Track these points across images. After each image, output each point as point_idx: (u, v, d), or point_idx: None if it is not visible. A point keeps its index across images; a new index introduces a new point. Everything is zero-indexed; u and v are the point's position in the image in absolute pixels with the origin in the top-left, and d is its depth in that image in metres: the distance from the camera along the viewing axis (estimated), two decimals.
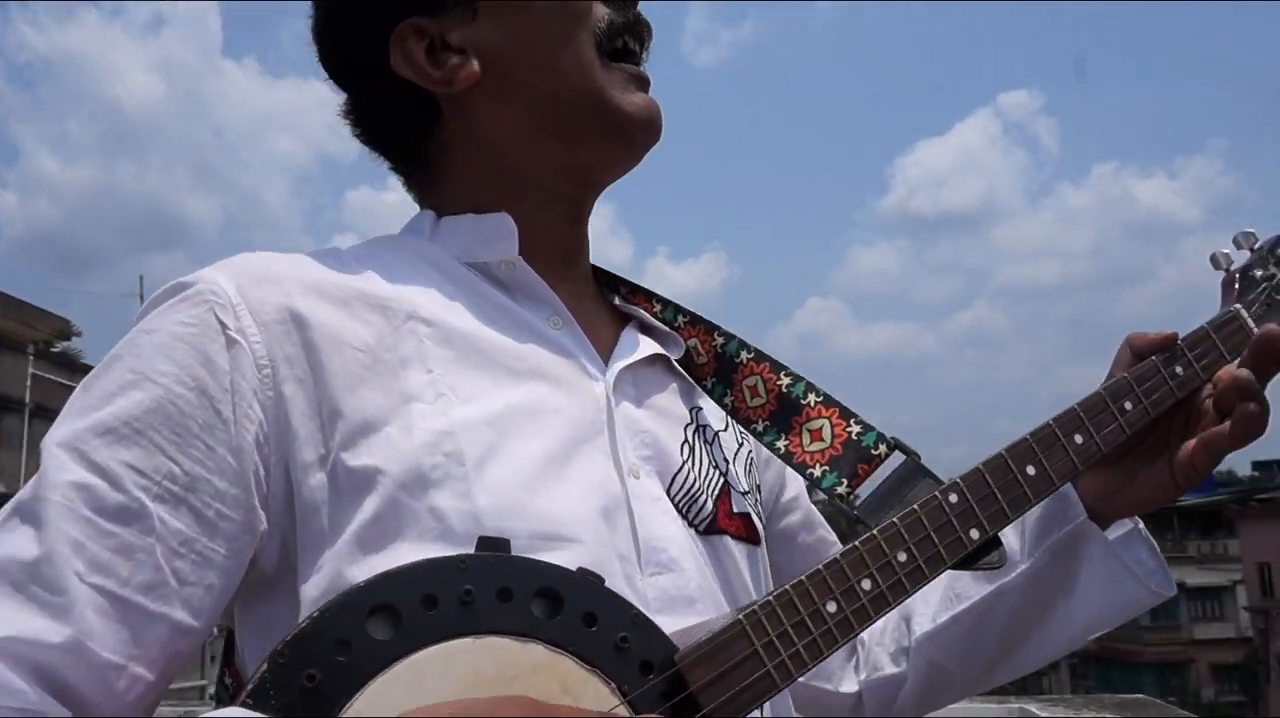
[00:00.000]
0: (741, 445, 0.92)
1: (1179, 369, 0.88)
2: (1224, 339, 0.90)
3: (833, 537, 1.03)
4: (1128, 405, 0.85)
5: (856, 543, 0.73)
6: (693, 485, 0.82)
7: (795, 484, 1.02)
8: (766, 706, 0.68)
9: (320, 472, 0.69)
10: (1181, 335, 0.89)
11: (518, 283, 0.83)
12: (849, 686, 0.99)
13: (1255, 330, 0.89)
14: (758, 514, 0.89)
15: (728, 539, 0.82)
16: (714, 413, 0.91)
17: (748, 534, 0.85)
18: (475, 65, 0.82)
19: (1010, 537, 0.92)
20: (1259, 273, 0.95)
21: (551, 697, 0.59)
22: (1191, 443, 0.86)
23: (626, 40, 0.85)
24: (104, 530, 0.64)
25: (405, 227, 0.89)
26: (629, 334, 0.89)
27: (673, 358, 0.90)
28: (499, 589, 0.59)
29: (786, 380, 0.86)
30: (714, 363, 0.89)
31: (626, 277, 0.96)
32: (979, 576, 0.92)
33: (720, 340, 0.89)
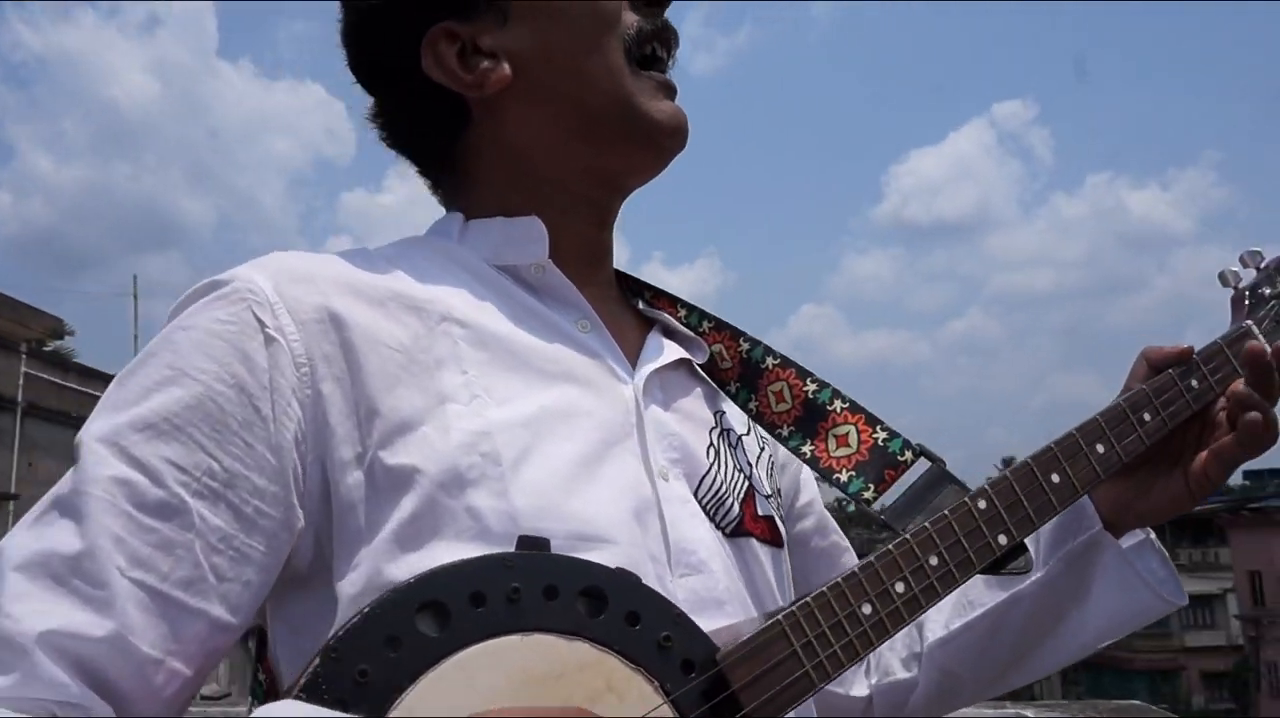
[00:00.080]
0: (763, 450, 0.93)
1: (1194, 382, 0.91)
2: (1236, 354, 0.93)
3: (845, 542, 1.04)
4: (1146, 417, 0.88)
5: (889, 547, 0.74)
6: (719, 488, 0.83)
7: (809, 489, 1.03)
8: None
9: (357, 470, 0.70)
10: (1195, 350, 0.92)
11: (547, 286, 0.84)
12: (860, 690, 1.00)
13: (1266, 347, 0.91)
14: (780, 517, 0.90)
15: (754, 542, 0.83)
16: (737, 417, 0.91)
17: (772, 537, 0.86)
18: (506, 69, 0.83)
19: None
20: (1267, 290, 0.99)
21: (597, 695, 0.59)
22: (1204, 454, 0.90)
23: (655, 47, 0.86)
24: (144, 526, 0.64)
25: (431, 228, 0.90)
26: (654, 338, 0.89)
27: (697, 363, 0.91)
28: (545, 587, 0.60)
29: (813, 387, 0.87)
30: (739, 368, 0.90)
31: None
32: (991, 583, 0.94)
33: (746, 346, 0.90)
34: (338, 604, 0.68)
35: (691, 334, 0.92)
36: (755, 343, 0.90)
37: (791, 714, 0.73)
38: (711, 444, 0.85)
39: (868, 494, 0.82)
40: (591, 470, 0.74)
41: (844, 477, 0.83)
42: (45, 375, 14.60)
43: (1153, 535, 0.95)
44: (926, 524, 0.76)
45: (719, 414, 0.89)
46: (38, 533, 0.64)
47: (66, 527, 0.64)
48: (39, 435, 14.13)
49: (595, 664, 0.60)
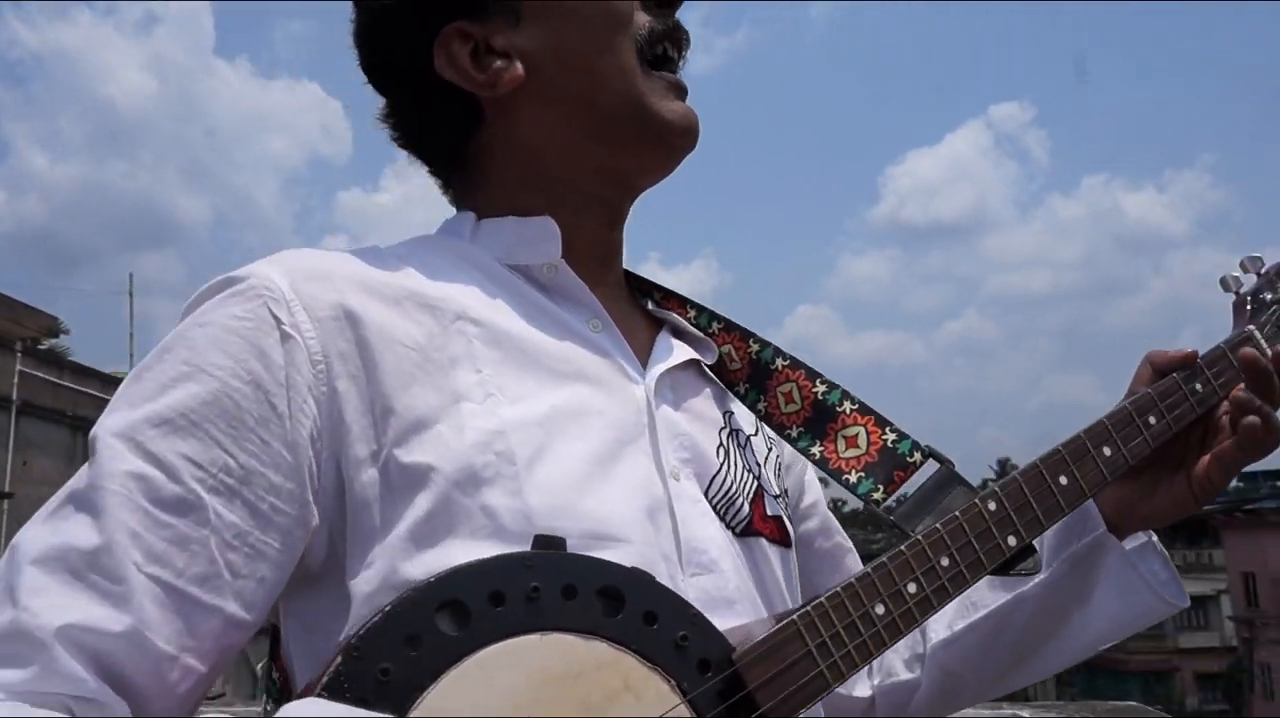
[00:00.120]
0: (770, 450, 0.94)
1: (1198, 386, 0.92)
2: (1239, 358, 0.94)
3: (848, 543, 1.05)
4: (1152, 420, 0.89)
5: (902, 547, 0.74)
6: (729, 488, 0.83)
7: (813, 491, 1.03)
8: None
9: (372, 468, 0.70)
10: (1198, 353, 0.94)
11: (558, 286, 0.84)
12: (862, 690, 1.00)
13: (1268, 351, 0.94)
14: (788, 517, 0.90)
15: (763, 541, 0.84)
16: (745, 418, 0.92)
17: (781, 537, 0.86)
18: (519, 69, 0.83)
19: None
20: (1268, 296, 1.01)
21: (615, 694, 0.60)
22: (1207, 458, 0.91)
23: (666, 48, 0.87)
24: (160, 521, 0.64)
25: (442, 227, 0.90)
26: (664, 339, 0.90)
27: (706, 363, 0.91)
28: (564, 587, 0.60)
29: (822, 388, 0.88)
30: (748, 369, 0.91)
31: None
32: (995, 584, 0.95)
33: (756, 347, 0.91)
34: (351, 602, 0.68)
35: (701, 335, 0.92)
36: (765, 344, 0.91)
37: (804, 714, 0.74)
38: (721, 444, 0.86)
39: (877, 495, 0.82)
40: (604, 470, 0.74)
41: (853, 478, 0.84)
42: (40, 374, 14.56)
43: (1154, 538, 0.95)
44: (938, 526, 0.76)
45: (728, 415, 0.90)
46: (54, 527, 0.65)
47: (83, 521, 0.64)
48: (34, 434, 14.09)
49: (613, 664, 0.60)
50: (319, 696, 0.55)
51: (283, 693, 0.75)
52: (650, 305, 0.95)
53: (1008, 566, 0.79)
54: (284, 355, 0.70)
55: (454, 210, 0.91)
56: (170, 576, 0.64)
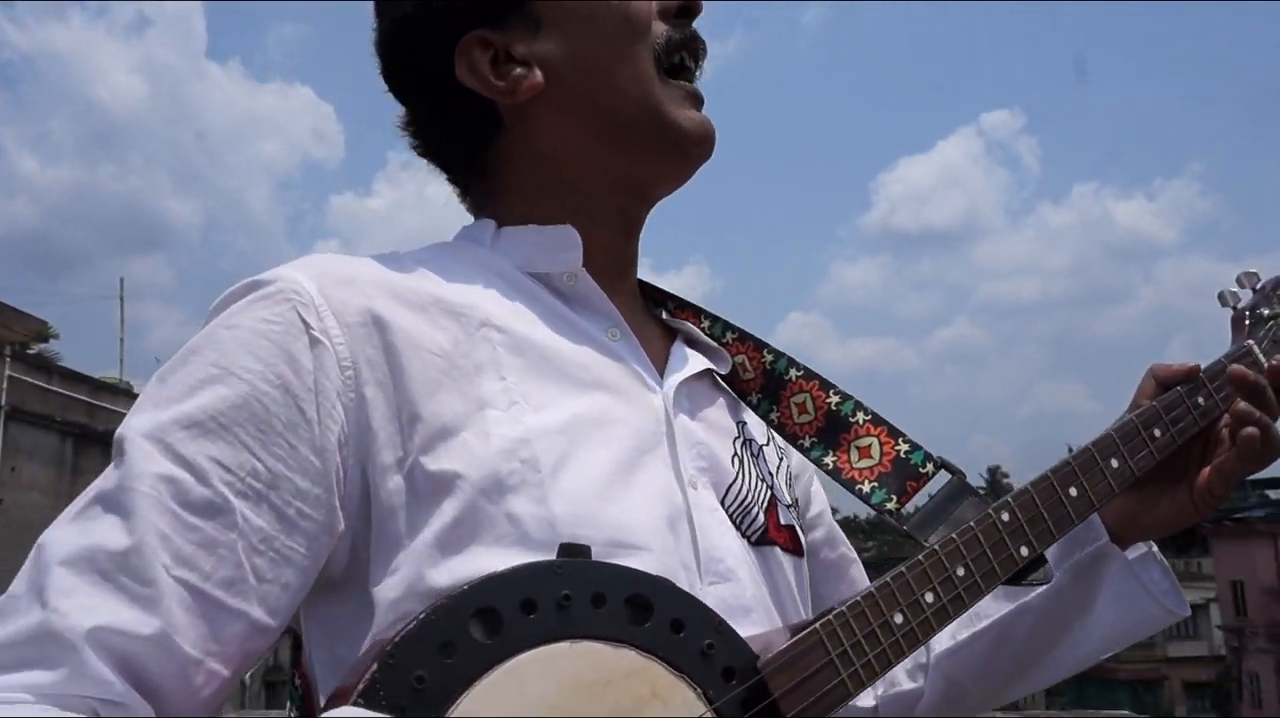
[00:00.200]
0: (781, 460, 0.95)
1: (1201, 400, 0.94)
2: (1229, 374, 0.95)
3: (853, 553, 1.06)
4: (1157, 433, 0.91)
5: (919, 557, 0.75)
6: (745, 498, 0.84)
7: (819, 501, 1.04)
8: None
9: (398, 474, 0.70)
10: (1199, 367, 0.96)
11: (578, 294, 0.85)
12: (866, 700, 1.01)
13: (1265, 364, 0.96)
14: (800, 527, 0.91)
15: (777, 550, 0.84)
16: (757, 428, 0.93)
17: (794, 546, 0.87)
18: (538, 76, 0.84)
19: None
20: (1265, 311, 1.04)
21: (643, 702, 0.60)
22: (1208, 469, 0.93)
23: (683, 57, 0.88)
24: (188, 524, 0.65)
25: (461, 234, 0.91)
26: (679, 349, 0.91)
27: (720, 373, 0.92)
28: (594, 595, 0.61)
29: (836, 398, 0.89)
30: (761, 379, 0.92)
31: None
32: (998, 594, 0.96)
33: (770, 358, 0.92)
34: (375, 609, 0.68)
35: (714, 345, 0.93)
36: (779, 354, 0.92)
37: None
38: (736, 454, 0.87)
39: (890, 505, 0.83)
40: (626, 478, 0.75)
41: (866, 487, 0.85)
42: (29, 379, 14.47)
43: (1155, 548, 0.97)
44: (954, 536, 0.77)
45: (741, 424, 0.91)
46: (82, 528, 0.65)
47: (112, 522, 0.64)
48: (23, 439, 14.00)
49: (641, 672, 0.61)
50: (355, 702, 0.56)
51: (305, 700, 0.75)
52: (664, 315, 0.96)
53: (1020, 576, 0.80)
54: (313, 360, 0.70)
55: (456, 217, 0.92)
56: (197, 579, 0.64)
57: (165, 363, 0.72)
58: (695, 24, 0.91)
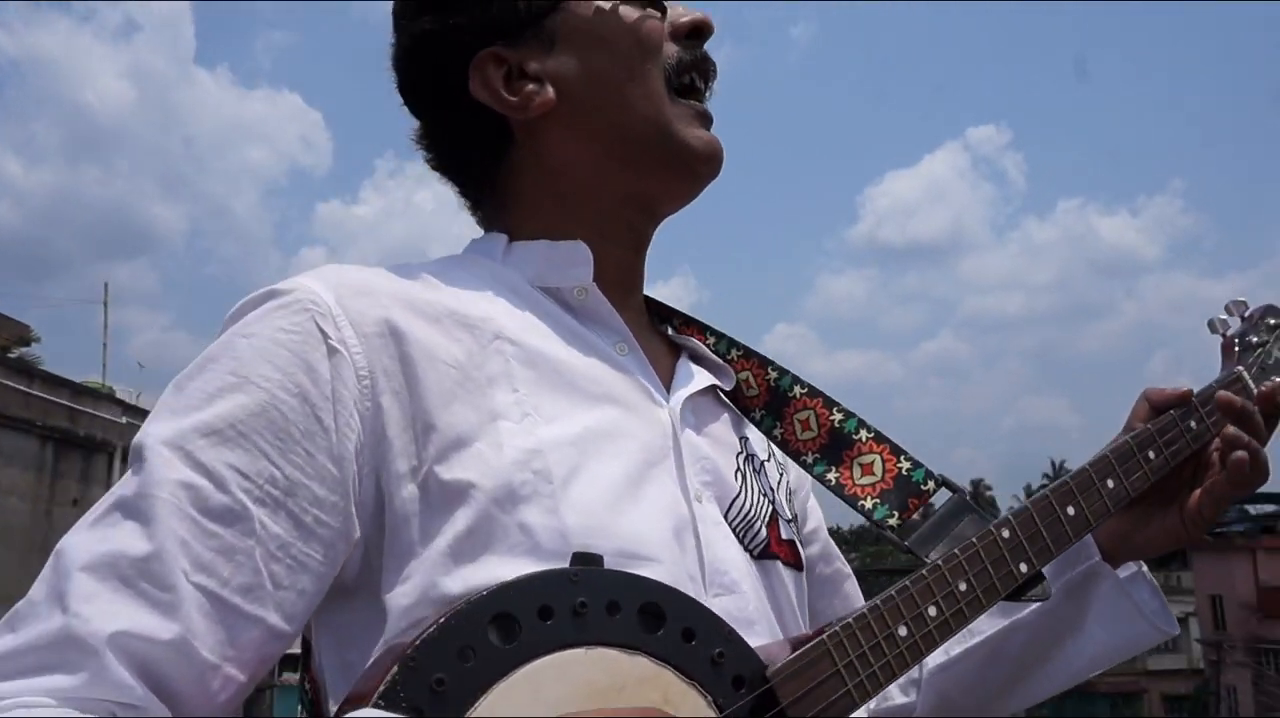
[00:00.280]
0: (781, 476, 0.96)
1: (1193, 424, 0.96)
2: (1217, 401, 0.98)
3: (847, 569, 1.07)
4: (1151, 455, 0.93)
5: (923, 572, 0.77)
6: (748, 512, 0.85)
7: (815, 517, 1.06)
8: None
9: (412, 483, 0.71)
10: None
11: (588, 309, 0.86)
12: (858, 713, 1.03)
13: (1255, 390, 1.00)
14: (800, 541, 0.93)
15: (779, 564, 0.86)
16: (758, 443, 0.94)
17: (794, 560, 0.89)
18: (550, 93, 0.86)
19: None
20: (1254, 338, 1.07)
21: (655, 707, 0.62)
22: (1198, 492, 0.95)
23: (693, 77, 0.90)
24: (208, 531, 0.65)
25: (471, 247, 0.92)
26: (684, 364, 0.92)
27: (724, 389, 0.94)
28: (608, 603, 0.62)
29: (839, 416, 0.90)
30: (765, 396, 0.93)
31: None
32: (992, 610, 0.98)
33: (774, 374, 0.93)
34: (387, 616, 0.69)
35: (719, 361, 0.95)
36: (783, 372, 0.93)
37: None
38: (739, 469, 0.88)
39: (893, 521, 0.84)
40: (635, 491, 0.76)
41: (869, 504, 0.86)
42: (10, 383, 14.32)
43: (1144, 568, 0.99)
44: (956, 552, 0.79)
45: (743, 440, 0.92)
46: (102, 534, 0.65)
47: (133, 529, 0.65)
48: (3, 443, 13.83)
49: (654, 679, 0.62)
50: (376, 704, 0.57)
51: (314, 703, 0.76)
52: (670, 331, 0.97)
53: (1019, 592, 0.82)
54: (331, 370, 0.71)
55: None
56: (216, 585, 0.65)
57: (181, 371, 0.73)
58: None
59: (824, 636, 0.70)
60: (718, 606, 0.76)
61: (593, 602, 0.62)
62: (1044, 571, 0.96)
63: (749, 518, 0.85)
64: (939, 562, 0.78)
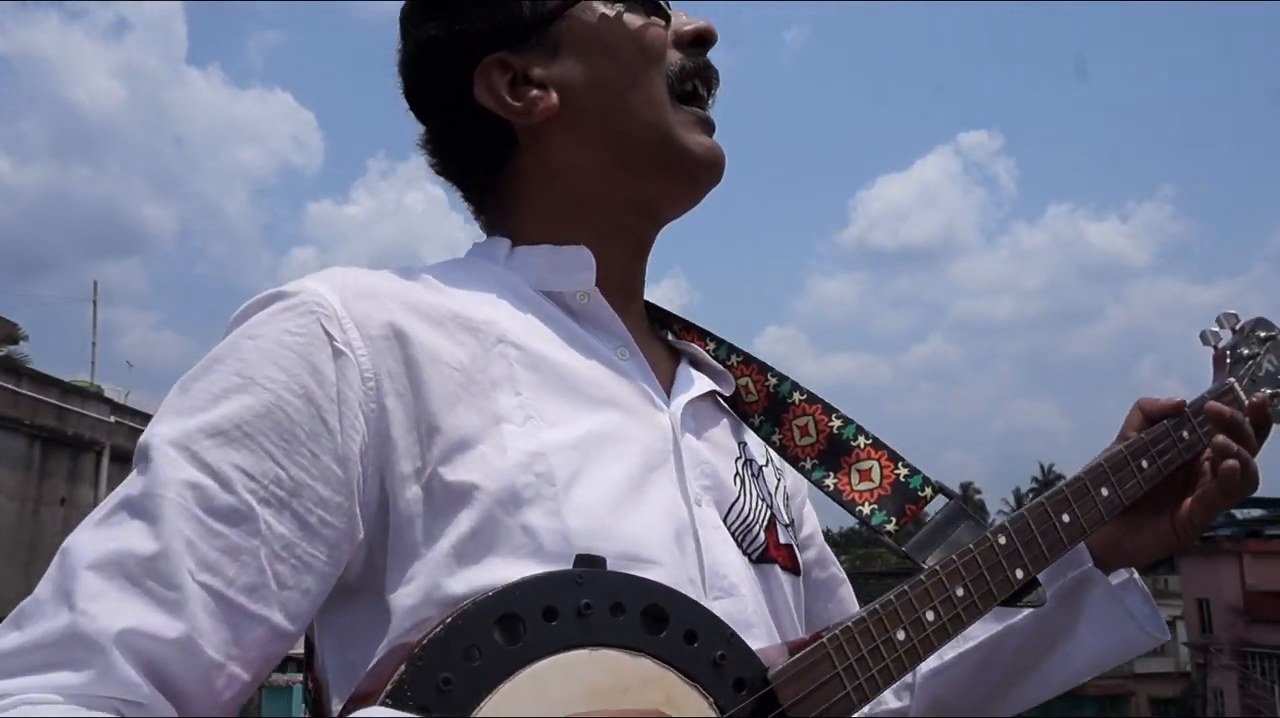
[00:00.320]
0: (779, 481, 0.97)
1: (1185, 433, 0.98)
2: (1207, 411, 1.00)
3: (842, 574, 1.08)
4: (1144, 464, 0.95)
5: (921, 577, 0.78)
6: (746, 516, 0.86)
7: (811, 522, 1.06)
8: None
9: (416, 485, 0.72)
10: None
11: (589, 313, 0.87)
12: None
13: (1246, 401, 1.01)
14: (797, 546, 0.94)
15: (777, 568, 0.86)
16: (756, 448, 0.95)
17: (792, 565, 0.89)
18: (554, 98, 0.87)
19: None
20: (1245, 350, 1.09)
21: (657, 708, 0.62)
22: (1189, 500, 0.97)
23: (696, 85, 0.91)
24: (213, 530, 0.66)
25: (474, 251, 0.93)
26: (684, 370, 0.93)
27: (723, 395, 0.94)
28: (612, 604, 0.63)
29: (838, 423, 0.91)
30: (765, 402, 0.94)
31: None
32: (986, 615, 0.99)
33: (774, 381, 0.94)
34: (390, 616, 0.69)
35: (718, 367, 0.95)
36: (783, 378, 0.94)
37: None
38: (738, 473, 0.89)
39: (890, 527, 0.86)
40: (636, 494, 0.77)
41: (866, 509, 0.87)
42: None
43: (1136, 574, 1.00)
44: (954, 557, 0.80)
45: (742, 445, 0.93)
46: (108, 533, 0.66)
47: (139, 528, 0.65)
48: None
49: (657, 680, 0.63)
50: (384, 703, 0.57)
51: (317, 703, 0.76)
52: (670, 336, 0.98)
53: (1015, 597, 0.83)
54: (336, 371, 0.72)
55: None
56: (221, 584, 0.65)
57: (187, 372, 0.74)
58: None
59: (824, 639, 0.71)
60: (717, 608, 0.77)
61: (597, 603, 0.63)
62: (1038, 577, 0.99)
63: (748, 522, 0.86)
64: (937, 567, 0.79)
